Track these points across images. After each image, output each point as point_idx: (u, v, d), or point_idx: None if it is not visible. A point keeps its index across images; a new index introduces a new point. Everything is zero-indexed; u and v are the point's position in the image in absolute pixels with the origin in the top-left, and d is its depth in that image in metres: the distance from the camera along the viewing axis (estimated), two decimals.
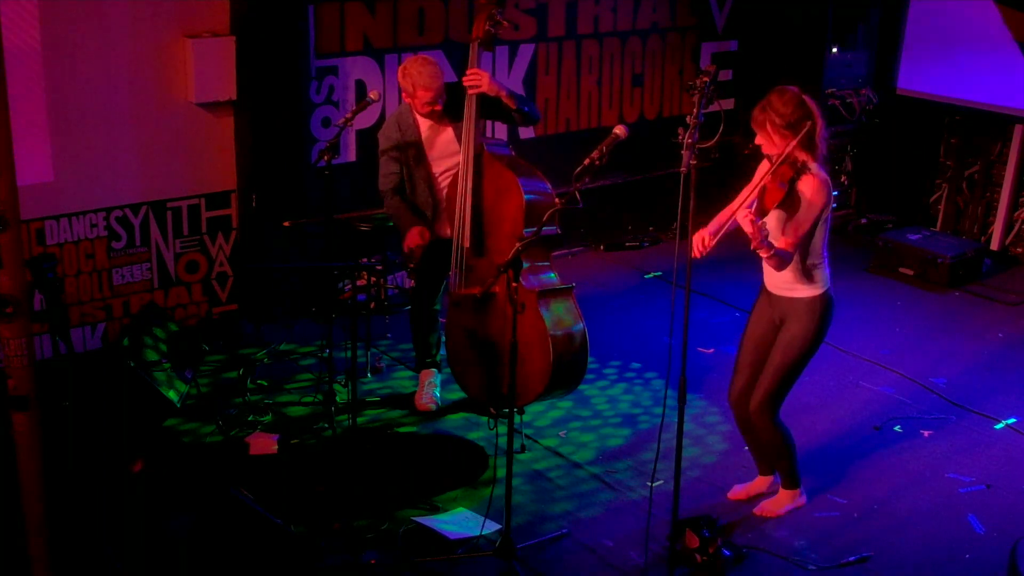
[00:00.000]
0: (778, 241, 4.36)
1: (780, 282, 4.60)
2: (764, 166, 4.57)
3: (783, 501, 4.93)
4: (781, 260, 4.37)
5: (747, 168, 4.83)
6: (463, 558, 4.54)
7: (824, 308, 4.59)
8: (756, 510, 4.91)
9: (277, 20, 6.33)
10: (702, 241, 4.41)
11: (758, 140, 4.47)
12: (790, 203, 4.39)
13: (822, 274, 4.57)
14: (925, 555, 4.69)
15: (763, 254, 4.27)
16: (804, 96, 4.42)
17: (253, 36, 6.26)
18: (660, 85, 8.35)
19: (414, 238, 5.36)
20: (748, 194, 4.41)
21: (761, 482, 5.05)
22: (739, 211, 4.28)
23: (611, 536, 4.75)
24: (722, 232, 4.48)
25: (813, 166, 4.41)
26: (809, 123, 4.36)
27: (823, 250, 4.55)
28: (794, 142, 4.35)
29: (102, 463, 4.68)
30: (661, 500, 4.86)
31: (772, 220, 4.41)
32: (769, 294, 4.69)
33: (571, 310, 5.27)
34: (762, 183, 4.37)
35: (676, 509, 4.32)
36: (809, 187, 4.39)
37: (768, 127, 4.40)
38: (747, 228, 4.18)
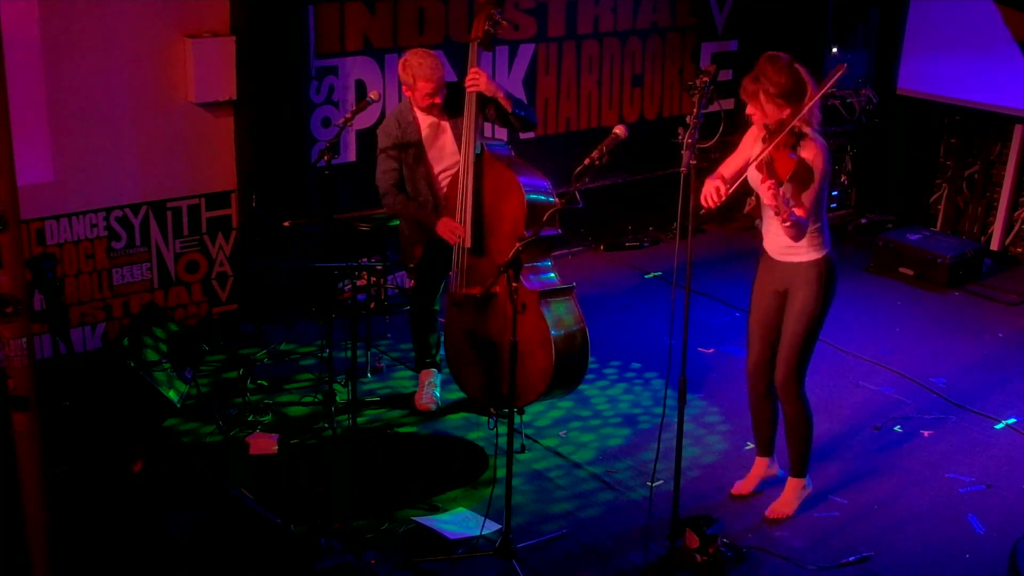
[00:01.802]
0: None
1: (784, 246, 4.56)
2: (752, 134, 4.55)
3: (791, 498, 4.89)
4: (800, 228, 4.36)
5: None
6: (463, 558, 4.54)
7: (829, 270, 4.59)
8: (768, 513, 4.87)
9: (277, 20, 6.33)
10: (716, 190, 4.39)
11: (749, 110, 4.46)
12: (797, 171, 4.38)
13: (823, 237, 4.56)
14: (925, 555, 4.69)
15: (785, 222, 4.27)
16: (796, 64, 4.41)
17: (253, 36, 6.26)
18: (660, 85, 8.35)
19: (453, 226, 5.34)
20: (753, 162, 4.36)
21: (760, 464, 5.02)
22: (761, 186, 4.25)
23: (611, 536, 4.75)
24: (734, 187, 4.45)
25: (809, 131, 4.42)
26: (807, 92, 4.37)
27: (824, 213, 4.54)
28: (793, 110, 4.35)
29: (102, 463, 4.68)
30: (661, 500, 4.86)
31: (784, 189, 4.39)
32: (771, 261, 4.66)
33: (572, 310, 5.27)
34: (767, 154, 4.32)
35: (676, 509, 4.32)
36: (811, 153, 4.38)
37: (762, 97, 4.39)
38: (770, 200, 4.20)
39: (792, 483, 4.91)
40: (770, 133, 4.42)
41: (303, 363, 6.24)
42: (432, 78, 5.28)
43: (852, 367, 6.40)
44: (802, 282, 4.58)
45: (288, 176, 6.57)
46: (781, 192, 4.21)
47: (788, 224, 4.28)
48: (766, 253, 4.70)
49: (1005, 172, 8.20)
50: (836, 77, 4.29)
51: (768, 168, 4.30)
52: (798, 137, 4.38)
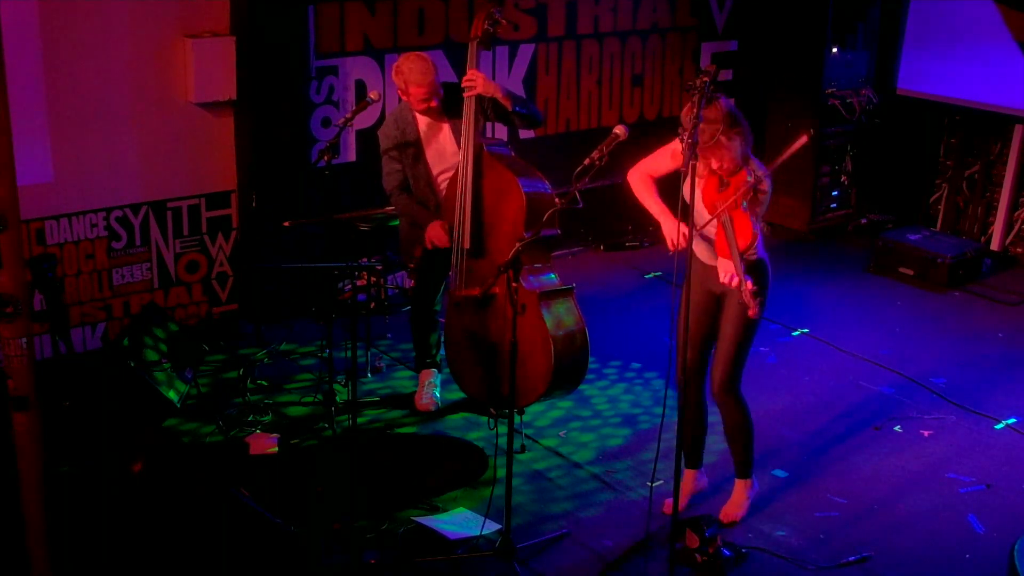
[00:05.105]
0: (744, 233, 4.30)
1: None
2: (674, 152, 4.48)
3: (741, 499, 4.86)
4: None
5: None
6: (463, 558, 4.54)
7: (764, 273, 4.51)
8: (721, 516, 4.81)
9: (277, 20, 6.33)
10: (685, 237, 4.31)
11: (716, 163, 4.32)
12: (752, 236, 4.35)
13: (758, 242, 4.46)
14: (925, 555, 4.69)
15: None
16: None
17: (253, 36, 6.26)
18: (660, 85, 8.35)
19: (439, 233, 5.35)
20: (721, 211, 4.28)
21: (688, 476, 4.94)
22: (735, 280, 4.22)
23: (611, 536, 4.75)
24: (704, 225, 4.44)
25: (759, 172, 4.37)
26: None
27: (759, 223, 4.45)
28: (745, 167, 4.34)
29: (102, 463, 4.68)
30: (661, 500, 4.87)
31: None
32: (705, 266, 4.58)
33: (572, 311, 5.27)
34: (725, 213, 4.27)
35: (676, 509, 4.32)
36: (765, 187, 4.35)
37: (735, 151, 4.29)
38: (744, 294, 4.18)
39: (740, 484, 4.88)
40: (722, 180, 4.35)
41: (303, 363, 6.24)
42: (423, 83, 5.26)
43: (852, 367, 6.40)
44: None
45: (288, 176, 6.56)
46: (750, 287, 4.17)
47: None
48: (698, 259, 4.59)
49: (1005, 172, 8.20)
50: (798, 147, 4.23)
51: (727, 230, 4.25)
52: (755, 189, 4.32)
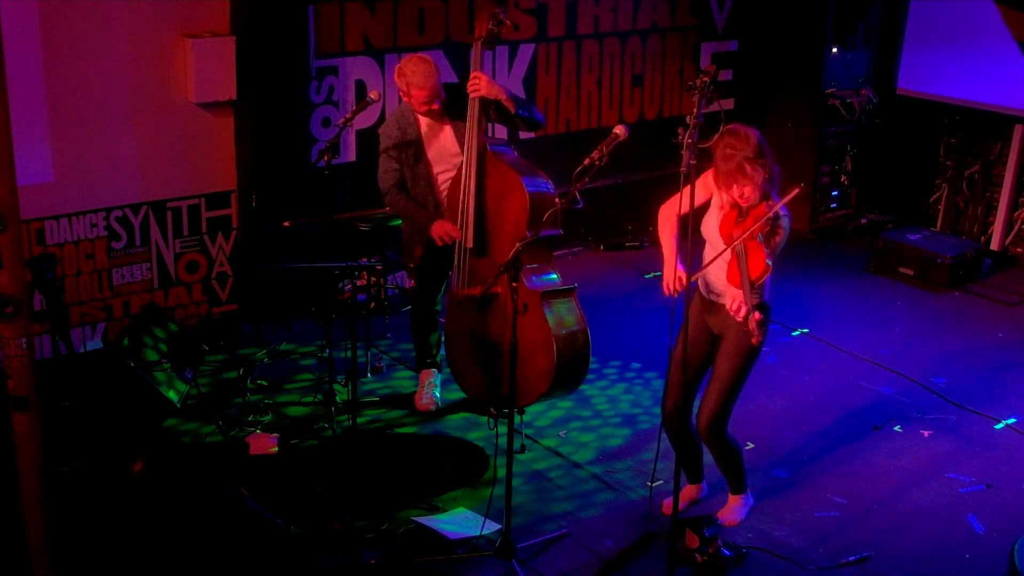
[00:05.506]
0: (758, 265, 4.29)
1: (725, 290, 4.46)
2: (705, 182, 4.44)
3: (737, 508, 4.87)
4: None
5: None
6: (463, 558, 4.54)
7: (767, 314, 4.47)
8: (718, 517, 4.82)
9: (277, 20, 6.33)
10: (679, 281, 4.36)
11: (737, 192, 4.28)
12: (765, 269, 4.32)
13: (767, 283, 4.47)
14: (925, 555, 4.69)
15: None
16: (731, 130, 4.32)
17: (253, 36, 6.26)
18: (660, 85, 8.35)
19: (447, 228, 5.33)
20: (736, 243, 4.25)
21: (691, 490, 4.98)
22: (743, 310, 4.18)
23: (611, 536, 4.75)
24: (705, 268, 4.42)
25: (780, 211, 4.36)
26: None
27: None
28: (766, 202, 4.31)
29: (102, 463, 4.68)
30: (661, 500, 4.87)
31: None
32: (708, 302, 4.55)
33: (573, 311, 5.27)
34: (741, 243, 4.24)
35: (676, 509, 4.33)
36: (781, 229, 4.34)
37: (760, 184, 4.26)
38: (750, 323, 4.15)
39: (734, 499, 4.89)
40: (741, 212, 4.33)
41: (303, 363, 6.24)
42: (424, 86, 5.26)
43: (852, 367, 6.40)
44: (740, 325, 4.39)
45: (288, 176, 6.56)
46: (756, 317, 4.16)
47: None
48: (702, 294, 4.57)
49: (1005, 172, 8.21)
50: (792, 195, 4.22)
51: (740, 259, 4.22)
52: (774, 224, 4.30)
